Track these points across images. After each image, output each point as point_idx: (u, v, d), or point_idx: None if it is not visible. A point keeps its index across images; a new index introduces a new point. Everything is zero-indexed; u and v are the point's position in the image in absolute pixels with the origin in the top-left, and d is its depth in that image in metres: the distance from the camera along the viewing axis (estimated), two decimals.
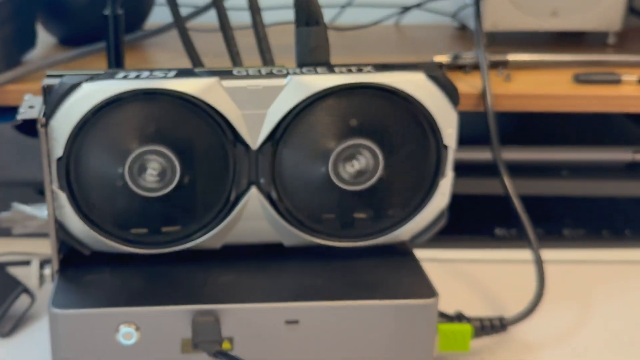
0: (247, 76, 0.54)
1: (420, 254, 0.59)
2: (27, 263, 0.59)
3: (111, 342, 0.52)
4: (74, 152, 0.53)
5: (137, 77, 0.53)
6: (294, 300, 0.53)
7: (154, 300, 0.53)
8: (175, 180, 0.54)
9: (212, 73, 0.54)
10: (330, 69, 0.55)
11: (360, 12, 1.06)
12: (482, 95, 0.72)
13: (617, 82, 0.75)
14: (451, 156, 0.56)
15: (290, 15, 0.60)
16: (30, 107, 0.56)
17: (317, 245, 0.57)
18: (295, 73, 0.54)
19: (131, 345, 0.52)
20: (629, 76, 0.76)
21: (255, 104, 0.54)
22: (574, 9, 0.87)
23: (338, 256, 0.58)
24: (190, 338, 0.52)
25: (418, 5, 1.06)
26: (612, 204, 0.84)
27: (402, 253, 0.59)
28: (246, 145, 0.55)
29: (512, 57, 0.80)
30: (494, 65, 0.79)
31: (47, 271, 0.57)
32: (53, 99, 0.53)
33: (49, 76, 0.55)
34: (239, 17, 0.83)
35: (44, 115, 0.53)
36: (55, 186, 0.54)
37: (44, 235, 0.57)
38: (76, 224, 0.55)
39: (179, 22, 0.73)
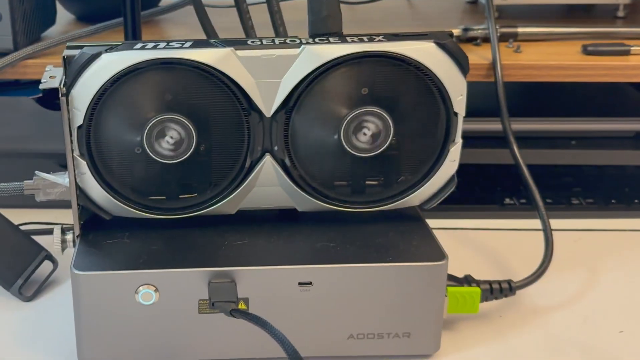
0: (261, 46, 0.55)
1: (431, 223, 0.60)
2: (49, 232, 0.60)
3: (131, 302, 0.54)
4: (94, 121, 0.55)
5: (155, 47, 0.55)
6: (307, 263, 0.55)
7: (172, 263, 0.54)
8: (192, 148, 0.56)
9: (227, 43, 0.55)
10: (343, 38, 0.57)
11: None
12: (492, 66, 0.73)
13: (626, 53, 0.76)
14: (461, 123, 0.58)
15: None
16: (52, 77, 0.57)
17: (330, 210, 0.59)
18: (308, 42, 0.56)
19: (150, 306, 0.54)
20: (638, 47, 0.76)
21: (269, 73, 0.55)
22: None
23: (350, 221, 0.59)
24: (207, 299, 0.54)
25: None
26: (621, 174, 0.85)
27: (412, 218, 0.60)
28: (260, 114, 0.56)
29: (522, 29, 0.80)
30: (504, 37, 0.80)
31: (69, 237, 0.59)
32: (73, 69, 0.54)
33: (69, 47, 0.56)
34: None
35: (65, 84, 0.55)
36: (76, 154, 0.56)
37: (65, 205, 0.58)
38: (96, 191, 0.57)
39: None
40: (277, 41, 0.56)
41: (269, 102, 0.56)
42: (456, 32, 0.80)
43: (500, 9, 0.89)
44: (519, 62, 0.75)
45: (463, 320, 0.62)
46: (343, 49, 0.55)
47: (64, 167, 0.57)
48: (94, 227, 0.59)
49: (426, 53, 0.55)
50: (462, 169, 0.60)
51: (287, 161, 0.57)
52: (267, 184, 0.58)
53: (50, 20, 0.86)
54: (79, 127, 0.55)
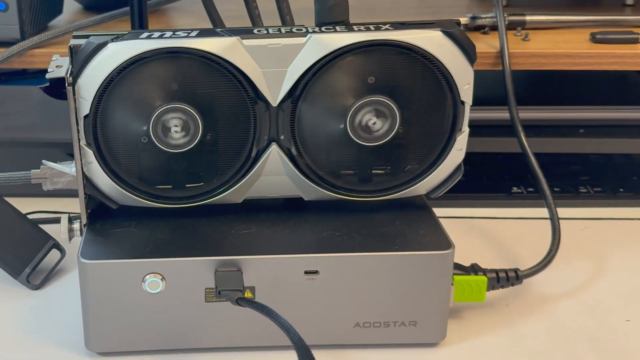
0: (268, 35, 0.55)
1: (437, 211, 0.60)
2: (57, 221, 0.61)
3: (137, 291, 0.54)
4: (101, 110, 0.55)
5: (161, 36, 0.55)
6: (313, 252, 0.55)
7: (178, 251, 0.55)
8: (198, 137, 0.56)
9: (233, 32, 0.55)
10: (349, 27, 0.56)
11: None
12: (500, 54, 0.73)
13: (635, 41, 0.76)
14: (467, 112, 0.57)
15: None
16: (58, 66, 0.57)
17: (336, 199, 0.59)
18: (314, 31, 0.55)
19: (157, 294, 0.54)
20: None
21: (276, 62, 0.55)
22: None
23: (356, 209, 0.59)
24: (213, 287, 0.54)
25: None
26: (629, 162, 0.84)
27: (418, 207, 0.60)
28: (267, 103, 0.56)
29: (530, 17, 0.80)
30: (512, 25, 0.79)
31: (76, 226, 0.59)
32: (79, 58, 0.54)
33: (76, 37, 0.56)
34: None
35: (71, 74, 0.55)
36: (82, 143, 0.56)
37: (73, 194, 0.59)
38: (103, 180, 0.57)
39: None
40: (283, 30, 0.56)
41: (275, 91, 0.56)
42: (463, 20, 0.79)
43: None
44: (526, 50, 0.75)
45: (469, 309, 0.62)
46: (350, 37, 0.55)
47: (71, 156, 0.57)
48: (101, 216, 0.59)
49: (433, 42, 0.55)
50: (469, 157, 0.60)
51: (293, 150, 0.57)
52: (274, 173, 0.58)
53: (57, 9, 0.86)
54: (86, 117, 0.55)
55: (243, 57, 0.55)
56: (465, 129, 0.58)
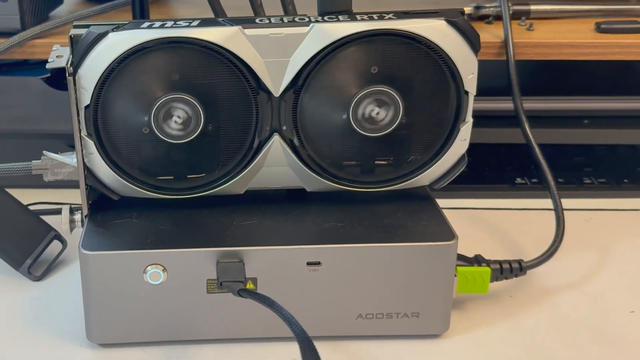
0: (270, 24, 0.55)
1: (441, 202, 0.60)
2: (58, 212, 0.60)
3: (139, 282, 0.54)
4: (102, 100, 0.55)
5: (162, 26, 0.54)
6: (315, 243, 0.54)
7: (180, 242, 0.54)
8: (200, 128, 0.55)
9: (235, 22, 0.55)
10: (352, 16, 0.56)
11: None
12: (504, 44, 0.73)
13: None
14: (471, 102, 0.57)
15: None
16: (58, 56, 0.57)
17: (339, 190, 0.59)
18: (317, 21, 0.55)
19: (158, 285, 0.54)
20: None
21: (278, 51, 0.55)
22: None
23: (359, 200, 0.59)
24: (215, 279, 0.54)
25: None
26: (633, 153, 0.84)
27: (422, 197, 0.60)
28: (269, 93, 0.56)
29: (535, 6, 0.80)
30: (517, 15, 0.79)
31: (77, 217, 0.59)
32: (80, 48, 0.54)
33: (76, 26, 0.56)
34: None
35: (72, 64, 0.54)
36: (83, 134, 0.56)
37: (74, 185, 0.58)
38: (104, 171, 0.57)
39: None
40: (285, 19, 0.56)
41: (277, 82, 0.55)
42: (468, 9, 0.79)
43: None
44: (531, 40, 0.74)
45: (473, 300, 0.61)
46: (352, 27, 0.54)
47: (72, 147, 0.57)
48: (102, 207, 0.59)
49: (437, 31, 0.55)
50: (473, 148, 0.59)
51: (295, 141, 0.57)
52: (276, 164, 0.58)
53: None
54: (86, 107, 0.55)
55: (245, 47, 0.54)
56: (469, 119, 0.58)
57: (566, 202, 0.66)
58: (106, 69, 0.54)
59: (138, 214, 0.58)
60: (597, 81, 0.86)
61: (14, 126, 0.77)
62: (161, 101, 0.54)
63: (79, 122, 0.55)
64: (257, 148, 0.57)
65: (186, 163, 0.57)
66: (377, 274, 0.55)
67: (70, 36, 0.55)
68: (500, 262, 0.60)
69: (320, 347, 0.47)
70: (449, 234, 0.55)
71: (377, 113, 0.56)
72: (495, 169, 0.82)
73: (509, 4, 0.76)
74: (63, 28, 0.77)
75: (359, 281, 0.55)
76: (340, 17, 0.56)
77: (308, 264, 0.54)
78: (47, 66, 0.56)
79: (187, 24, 0.55)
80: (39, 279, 0.65)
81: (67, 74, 0.54)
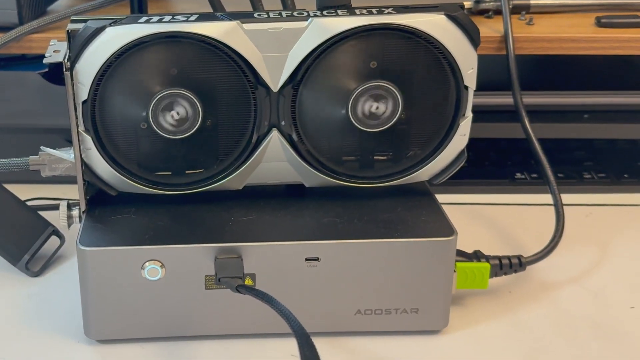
0: (268, 19, 0.55)
1: (440, 197, 0.60)
2: (56, 208, 0.60)
3: (137, 278, 0.54)
4: (99, 95, 0.54)
5: (160, 21, 0.54)
6: (314, 239, 0.54)
7: (178, 238, 0.54)
8: (198, 123, 0.55)
9: (233, 16, 0.55)
10: (351, 11, 0.56)
11: None
12: (504, 39, 0.72)
13: None
14: (471, 97, 0.57)
15: None
16: (56, 51, 0.57)
17: (337, 185, 0.58)
18: (316, 15, 0.55)
19: (156, 281, 0.54)
20: None
21: (276, 46, 0.54)
22: None
23: (358, 196, 0.59)
24: (213, 275, 0.53)
25: None
26: (633, 148, 0.84)
27: (421, 193, 0.60)
28: (267, 88, 0.55)
29: (535, 1, 0.79)
30: (517, 9, 0.79)
31: (75, 213, 0.59)
32: (77, 43, 0.54)
33: (73, 21, 0.55)
34: None
35: (69, 59, 0.54)
36: (81, 129, 0.55)
37: (71, 181, 0.58)
38: (102, 166, 0.56)
39: None
40: (284, 14, 0.55)
41: (276, 77, 0.55)
42: (467, 4, 0.79)
43: None
44: (531, 34, 0.74)
45: (472, 296, 0.61)
46: (351, 21, 0.54)
47: (69, 142, 0.56)
48: (100, 202, 0.58)
49: (436, 25, 0.54)
50: (472, 143, 0.59)
51: (294, 136, 0.57)
52: (274, 160, 0.57)
53: None
54: (84, 102, 0.54)
55: (243, 42, 0.54)
56: (469, 114, 0.57)
57: (566, 197, 0.66)
58: (104, 64, 0.53)
59: (136, 210, 0.58)
60: (597, 76, 0.86)
61: (12, 121, 0.77)
62: (159, 96, 0.54)
63: (77, 118, 0.55)
64: (256, 143, 0.57)
65: (184, 158, 0.57)
66: (376, 270, 0.55)
67: (68, 31, 0.54)
68: (499, 258, 0.60)
69: (319, 343, 0.47)
70: (448, 230, 0.55)
71: (377, 108, 0.56)
72: (494, 164, 0.82)
73: None
74: (61, 23, 0.76)
75: (358, 277, 0.55)
76: (339, 12, 0.55)
77: (307, 259, 0.54)
78: (45, 61, 0.55)
79: (185, 18, 0.54)
80: (36, 274, 0.65)
81: (64, 69, 0.54)
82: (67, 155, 0.58)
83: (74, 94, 0.54)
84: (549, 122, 0.78)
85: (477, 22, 0.57)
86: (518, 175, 0.80)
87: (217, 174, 0.58)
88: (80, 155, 0.56)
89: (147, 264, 0.53)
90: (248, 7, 0.73)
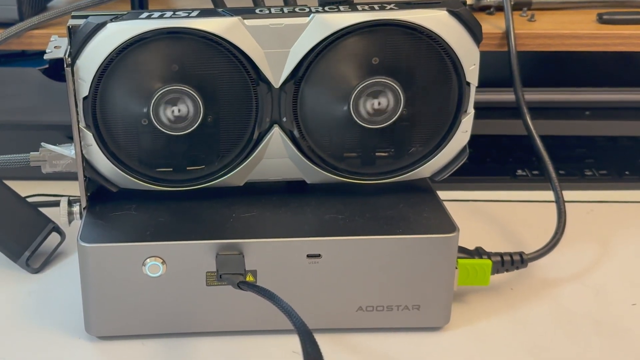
0: (270, 15, 0.54)
1: (441, 194, 0.60)
2: (56, 204, 0.60)
3: (138, 275, 0.53)
4: (100, 92, 0.54)
5: (161, 16, 0.54)
6: (315, 235, 0.54)
7: (179, 235, 0.54)
8: (199, 119, 0.55)
9: (234, 12, 0.54)
10: (353, 6, 0.55)
11: None
12: (506, 35, 0.72)
13: None
14: (473, 93, 0.57)
15: None
16: (56, 47, 0.57)
17: (339, 182, 0.58)
18: (317, 11, 0.54)
19: (157, 278, 0.54)
20: None
21: (278, 42, 0.54)
22: None
23: (359, 193, 0.59)
24: (215, 271, 0.53)
25: None
26: (635, 145, 0.84)
27: (422, 189, 0.60)
28: (269, 84, 0.55)
29: None
30: (518, 6, 0.79)
31: (76, 209, 0.59)
32: (78, 38, 0.53)
33: (74, 17, 0.55)
34: None
35: (70, 55, 0.54)
36: (82, 125, 0.55)
37: (72, 177, 0.58)
38: (103, 162, 0.56)
39: None
40: (286, 10, 0.55)
41: (277, 73, 0.55)
42: (469, 0, 0.78)
43: None
44: (532, 31, 0.74)
45: (473, 293, 0.61)
46: (353, 17, 0.54)
47: (71, 138, 0.56)
48: (101, 199, 0.58)
49: (439, 21, 0.54)
50: (474, 139, 0.59)
51: (295, 132, 0.57)
52: (276, 156, 0.57)
53: None
54: (85, 98, 0.54)
55: (245, 38, 0.54)
56: (471, 110, 0.57)
57: (567, 194, 0.66)
58: (105, 60, 0.53)
59: (137, 206, 0.57)
60: (598, 72, 0.86)
61: (12, 117, 0.77)
62: (160, 92, 0.54)
63: (77, 114, 0.55)
64: (257, 140, 0.57)
65: (185, 155, 0.57)
66: (378, 267, 0.55)
67: (69, 27, 0.54)
68: (501, 255, 0.59)
69: (320, 340, 0.47)
70: (450, 226, 0.55)
71: (378, 104, 0.55)
72: (496, 161, 0.82)
73: None
74: (61, 19, 0.76)
75: (360, 274, 0.55)
76: (341, 8, 0.55)
77: (308, 256, 0.54)
78: (45, 57, 0.55)
79: (187, 14, 0.54)
80: (37, 271, 0.65)
81: (65, 65, 0.54)
82: (68, 151, 0.58)
83: (74, 90, 0.54)
84: (550, 119, 0.78)
85: (479, 18, 0.57)
86: (519, 171, 0.80)
87: (218, 170, 0.57)
88: (81, 151, 0.56)
89: (148, 260, 0.53)
90: (249, 3, 0.73)
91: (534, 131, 0.68)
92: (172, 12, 0.54)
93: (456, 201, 0.75)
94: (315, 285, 0.55)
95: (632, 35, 0.73)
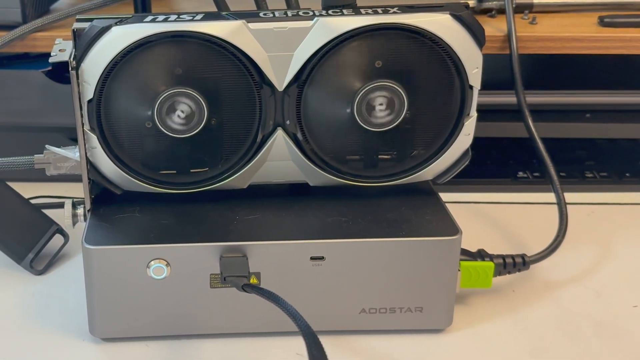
0: (274, 18, 0.55)
1: (444, 196, 0.60)
2: (60, 206, 0.60)
3: (142, 277, 0.54)
4: (105, 94, 0.55)
5: (165, 20, 0.54)
6: (319, 238, 0.54)
7: (183, 237, 0.54)
8: (203, 122, 0.55)
9: (239, 15, 0.55)
10: (356, 10, 0.56)
11: None
12: (507, 38, 0.72)
13: None
14: (476, 96, 0.57)
15: None
16: (61, 50, 0.57)
17: (342, 185, 0.58)
18: (321, 15, 0.55)
19: (161, 280, 0.54)
20: None
21: (282, 45, 0.54)
22: None
23: (362, 195, 0.59)
24: (219, 273, 0.53)
25: None
26: (635, 147, 0.84)
27: (425, 192, 0.60)
28: (272, 87, 0.55)
29: (538, 0, 0.79)
30: (520, 9, 0.79)
31: (80, 211, 0.59)
32: (83, 42, 0.54)
33: (79, 20, 0.56)
34: None
35: (75, 58, 0.54)
36: (86, 128, 0.55)
37: (76, 179, 0.58)
38: (107, 165, 0.56)
39: None
40: (289, 13, 0.55)
41: (281, 76, 0.55)
42: (470, 3, 0.79)
43: None
44: (534, 34, 0.74)
45: (476, 295, 0.61)
46: (357, 21, 0.54)
47: (74, 141, 0.57)
48: (105, 201, 0.59)
49: (442, 25, 0.54)
50: (475, 141, 0.59)
51: (299, 135, 0.57)
52: (279, 159, 0.57)
53: None
54: (89, 101, 0.54)
55: (249, 41, 0.54)
56: (474, 113, 0.57)
57: (568, 196, 0.66)
58: (109, 63, 0.53)
59: (141, 209, 0.58)
60: (599, 75, 0.86)
61: (16, 120, 0.77)
62: (164, 95, 0.54)
63: (82, 116, 0.55)
64: (261, 142, 0.57)
65: (189, 157, 0.57)
66: (381, 269, 0.55)
67: (73, 30, 0.54)
68: (503, 257, 0.60)
69: (323, 342, 0.47)
70: (452, 229, 0.55)
71: (381, 107, 0.56)
72: (497, 163, 0.82)
73: None
74: (64, 21, 0.76)
75: (363, 276, 0.55)
76: (345, 11, 0.55)
77: (311, 258, 0.54)
78: (50, 60, 0.56)
79: (191, 17, 0.54)
80: (40, 273, 0.65)
81: (70, 68, 0.54)
82: (72, 153, 0.58)
83: (79, 92, 0.54)
84: (551, 122, 0.78)
85: (481, 21, 0.57)
86: (520, 174, 0.80)
87: (222, 172, 0.58)
88: (86, 153, 0.56)
89: (152, 262, 0.53)
90: (252, 7, 0.73)
91: (535, 133, 0.68)
92: (176, 16, 0.55)
93: (457, 203, 0.75)
94: (318, 288, 0.55)
95: (633, 38, 0.73)
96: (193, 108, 0.55)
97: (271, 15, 0.55)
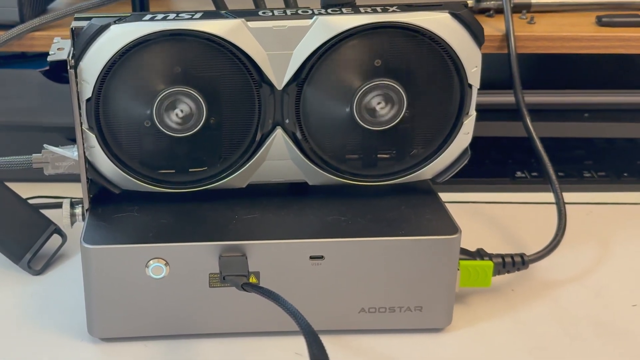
0: (273, 17, 0.55)
1: (443, 196, 0.60)
2: (58, 206, 0.60)
3: (141, 276, 0.53)
4: (103, 93, 0.54)
5: (164, 18, 0.54)
6: (318, 237, 0.54)
7: (182, 236, 0.54)
8: (202, 121, 0.55)
9: (237, 14, 0.55)
10: (356, 9, 0.56)
11: None
12: (506, 38, 0.72)
13: None
14: (475, 95, 0.57)
15: None
16: (59, 49, 0.57)
17: (341, 184, 0.58)
18: (320, 13, 0.55)
19: (160, 279, 0.54)
20: None
21: (281, 44, 0.54)
22: None
23: (361, 194, 0.59)
24: (218, 273, 0.53)
25: None
26: (633, 146, 0.84)
27: (424, 191, 0.60)
28: (271, 86, 0.55)
29: (536, 0, 0.79)
30: (518, 8, 0.79)
31: (78, 211, 0.59)
32: (82, 40, 0.53)
33: (77, 19, 0.55)
34: None
35: (73, 57, 0.54)
36: (85, 127, 0.55)
37: (74, 179, 0.58)
38: (106, 164, 0.56)
39: None
40: (288, 12, 0.55)
41: (280, 75, 0.55)
42: (469, 3, 0.79)
43: None
44: (532, 33, 0.74)
45: (475, 294, 0.61)
46: (356, 19, 0.54)
47: (72, 140, 0.56)
48: (103, 200, 0.58)
49: (441, 24, 0.54)
50: (474, 141, 0.59)
51: (298, 134, 0.57)
52: (278, 158, 0.57)
53: None
54: (88, 100, 0.54)
55: (248, 40, 0.54)
56: (473, 112, 0.57)
57: (566, 196, 0.66)
58: (108, 62, 0.53)
59: (139, 208, 0.57)
60: (597, 74, 0.86)
61: (13, 119, 0.77)
62: (163, 94, 0.54)
63: (80, 115, 0.55)
64: (260, 141, 0.57)
65: (188, 156, 0.57)
66: (380, 268, 0.55)
67: (72, 28, 0.54)
68: (502, 256, 0.60)
69: (323, 341, 0.47)
70: (452, 228, 0.55)
71: (381, 106, 0.56)
72: (496, 162, 0.82)
73: None
74: (62, 21, 0.76)
75: (362, 275, 0.55)
76: (344, 10, 0.55)
77: (311, 257, 0.54)
78: (49, 59, 0.55)
79: (190, 16, 0.54)
80: (38, 273, 0.65)
81: (68, 67, 0.54)
82: (71, 153, 0.58)
83: (78, 91, 0.54)
84: (550, 121, 0.78)
85: (479, 20, 0.57)
86: (519, 173, 0.80)
87: (221, 172, 0.58)
88: (84, 153, 0.56)
89: (151, 262, 0.53)
90: (250, 5, 0.73)
91: (534, 133, 0.68)
92: (175, 14, 0.55)
93: (456, 203, 0.75)
94: (317, 287, 0.55)
95: (631, 38, 0.74)
96: (192, 107, 0.55)
97: (270, 13, 0.55)
